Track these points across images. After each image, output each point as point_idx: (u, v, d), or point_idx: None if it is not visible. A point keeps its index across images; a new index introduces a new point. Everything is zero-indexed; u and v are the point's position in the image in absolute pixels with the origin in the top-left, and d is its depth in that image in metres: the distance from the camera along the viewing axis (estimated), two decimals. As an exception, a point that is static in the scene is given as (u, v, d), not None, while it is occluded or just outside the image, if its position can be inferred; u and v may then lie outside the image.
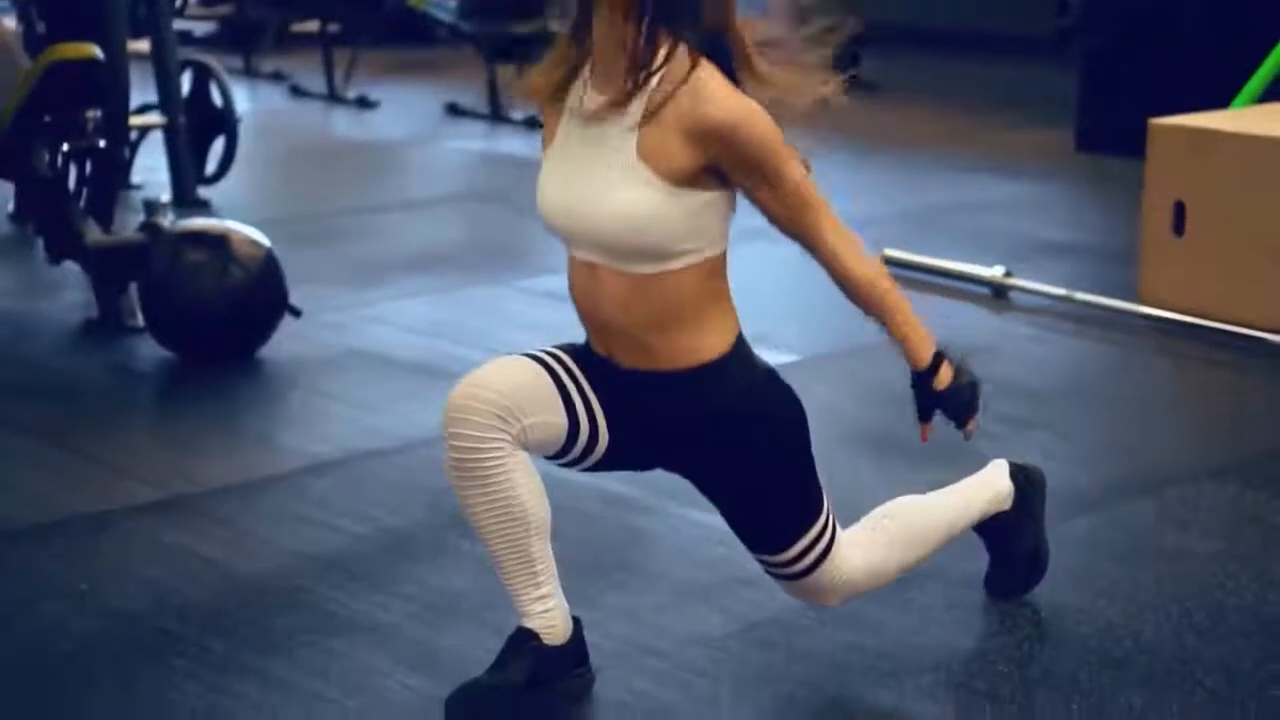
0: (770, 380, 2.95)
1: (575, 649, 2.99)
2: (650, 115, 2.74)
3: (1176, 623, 3.33)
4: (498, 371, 2.86)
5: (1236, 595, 3.44)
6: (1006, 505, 3.36)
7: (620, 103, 2.76)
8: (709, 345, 2.87)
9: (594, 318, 2.89)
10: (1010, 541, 3.39)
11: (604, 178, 2.78)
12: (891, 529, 3.18)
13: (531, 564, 2.90)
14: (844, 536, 3.09)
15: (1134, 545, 3.72)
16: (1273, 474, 4.11)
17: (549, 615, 2.94)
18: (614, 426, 2.92)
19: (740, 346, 2.91)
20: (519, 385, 2.84)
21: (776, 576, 3.07)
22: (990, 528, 3.37)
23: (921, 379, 3.02)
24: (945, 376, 3.01)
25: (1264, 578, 3.52)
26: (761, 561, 3.07)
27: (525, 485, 2.85)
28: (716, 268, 2.86)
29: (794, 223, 2.88)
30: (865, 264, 2.95)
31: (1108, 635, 3.27)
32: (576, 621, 3.00)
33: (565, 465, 2.97)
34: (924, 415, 3.06)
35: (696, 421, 2.90)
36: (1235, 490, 4.00)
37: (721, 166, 2.78)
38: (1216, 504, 3.93)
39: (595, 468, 2.99)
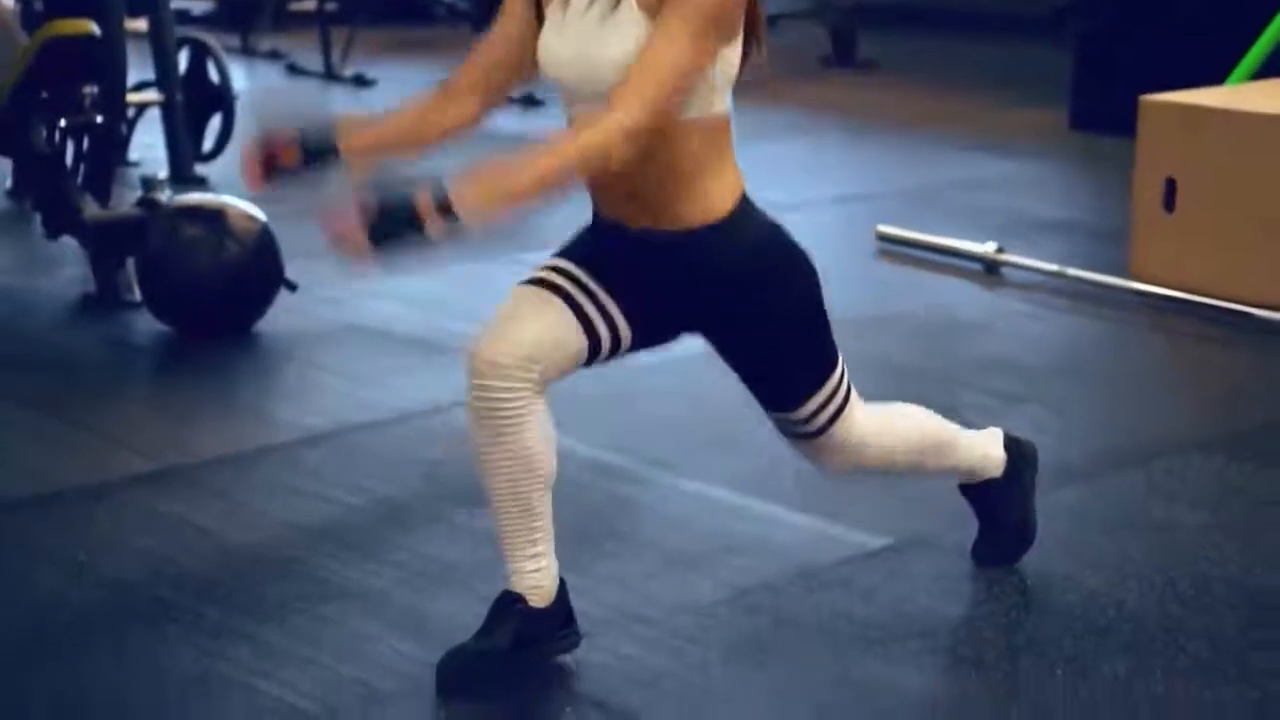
0: (778, 235, 2.96)
1: (561, 610, 3.02)
2: None
3: (1161, 592, 3.36)
4: (515, 318, 2.90)
5: (1221, 565, 3.48)
6: (997, 473, 3.40)
7: None
8: (715, 203, 2.87)
9: (599, 179, 2.88)
10: (999, 511, 3.43)
11: (607, 24, 2.79)
12: (905, 422, 3.28)
13: (532, 518, 2.95)
14: (860, 403, 3.15)
15: (1121, 516, 3.75)
16: (1260, 447, 4.14)
17: (539, 575, 2.97)
18: (632, 313, 2.94)
19: (746, 204, 2.92)
20: (538, 328, 2.88)
21: (791, 435, 3.12)
22: (980, 495, 3.41)
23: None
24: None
25: (1249, 549, 3.56)
26: (777, 420, 3.10)
27: (541, 437, 2.91)
28: (721, 128, 2.86)
29: (632, 71, 2.73)
30: (587, 138, 2.74)
31: (1093, 604, 3.31)
32: (562, 583, 3.03)
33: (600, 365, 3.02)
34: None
35: (710, 280, 2.91)
36: (1223, 463, 4.04)
37: None
38: (1204, 476, 3.97)
39: (628, 354, 3.02)
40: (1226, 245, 5.28)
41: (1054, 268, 5.52)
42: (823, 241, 6.65)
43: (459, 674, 2.93)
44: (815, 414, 3.06)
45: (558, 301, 2.91)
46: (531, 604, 2.97)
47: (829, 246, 6.13)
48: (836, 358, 3.07)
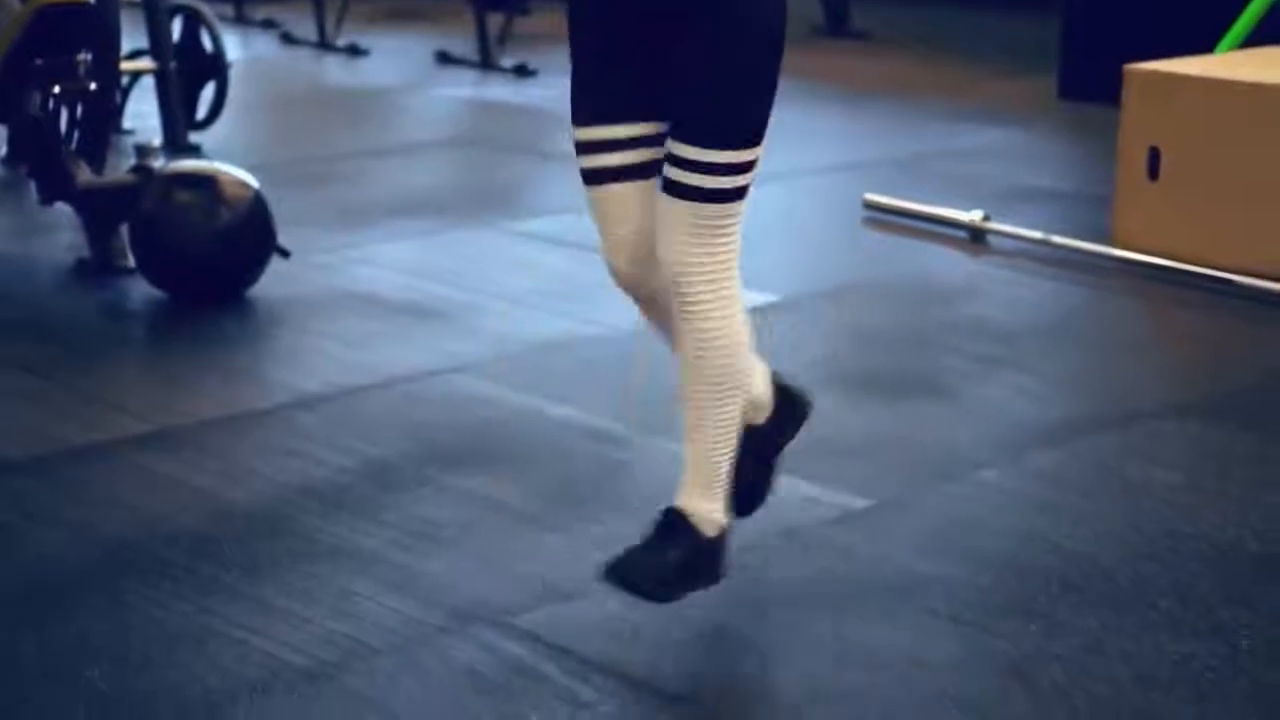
0: None
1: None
2: None
3: (1134, 549, 3.43)
4: (614, 233, 3.03)
5: (1193, 524, 3.55)
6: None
7: None
8: None
9: None
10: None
11: None
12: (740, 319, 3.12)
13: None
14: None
15: (1097, 477, 3.82)
16: (1237, 411, 4.21)
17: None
18: (651, 103, 2.97)
19: None
20: (635, 226, 3.00)
21: (674, 187, 2.92)
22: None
23: None
24: None
25: (1221, 508, 3.63)
26: (676, 160, 2.92)
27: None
28: None
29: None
30: None
31: (1068, 562, 3.38)
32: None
33: None
34: None
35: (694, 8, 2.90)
36: (1199, 426, 4.11)
37: None
38: (1180, 439, 4.04)
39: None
40: (1209, 213, 5.34)
41: (1038, 235, 5.58)
42: (810, 209, 6.77)
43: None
44: (727, 170, 2.91)
45: (620, 190, 2.99)
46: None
47: (816, 214, 6.22)
48: (761, 138, 2.98)
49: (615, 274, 3.07)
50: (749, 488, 3.30)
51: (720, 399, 3.01)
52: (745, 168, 2.94)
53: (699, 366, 2.99)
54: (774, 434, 3.33)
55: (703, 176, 2.90)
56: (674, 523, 3.04)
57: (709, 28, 2.90)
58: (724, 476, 3.06)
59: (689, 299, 2.93)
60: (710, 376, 2.99)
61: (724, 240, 2.93)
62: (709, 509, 3.05)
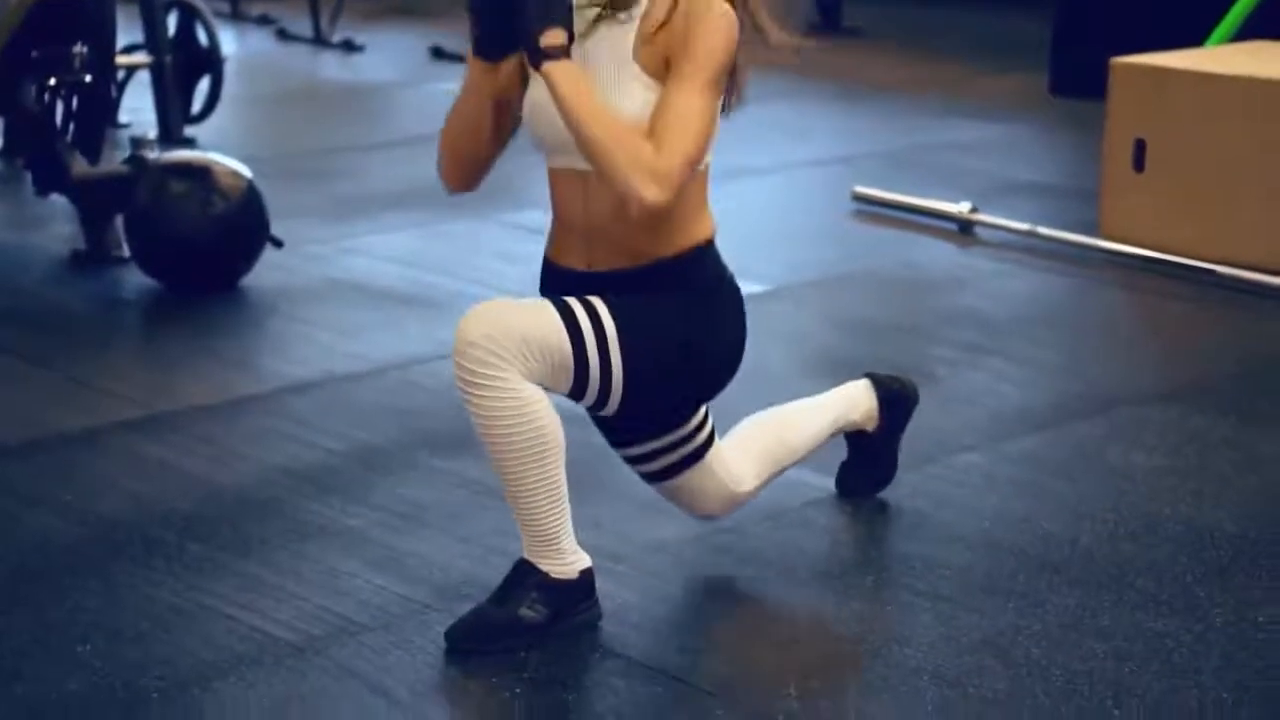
0: (731, 290, 3.07)
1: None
2: (647, 16, 2.89)
3: (1113, 531, 3.48)
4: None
5: (1172, 506, 3.60)
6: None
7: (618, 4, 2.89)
8: (690, 239, 2.99)
9: (583, 227, 2.99)
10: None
11: (612, 84, 2.90)
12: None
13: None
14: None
15: (1079, 461, 3.87)
16: (1217, 398, 4.26)
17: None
18: None
19: (714, 248, 3.05)
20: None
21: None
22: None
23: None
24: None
25: (1200, 491, 3.68)
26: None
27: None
28: (702, 177, 3.00)
29: (660, 126, 2.85)
30: (644, 151, 2.83)
31: (1047, 543, 3.43)
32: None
33: None
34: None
35: (660, 285, 2.99)
36: (1181, 412, 4.15)
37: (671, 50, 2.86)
38: (1162, 425, 4.09)
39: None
40: (1194, 205, 5.39)
41: (1026, 227, 5.63)
42: (800, 202, 6.81)
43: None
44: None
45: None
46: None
47: (807, 207, 6.27)
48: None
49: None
50: (874, 481, 3.59)
51: (522, 466, 2.93)
52: (606, 367, 2.94)
53: (491, 442, 2.92)
54: (887, 433, 3.55)
55: (588, 324, 2.93)
56: (520, 572, 3.01)
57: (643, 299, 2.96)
58: (561, 533, 2.99)
59: (472, 379, 2.88)
60: (504, 449, 2.91)
61: (533, 362, 2.88)
62: (555, 565, 3.00)
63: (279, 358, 4.52)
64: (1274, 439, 3.98)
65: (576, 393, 2.97)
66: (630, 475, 3.73)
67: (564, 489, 2.97)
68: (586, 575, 3.02)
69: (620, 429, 3.20)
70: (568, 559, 3.00)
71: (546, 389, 2.92)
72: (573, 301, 2.94)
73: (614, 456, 3.84)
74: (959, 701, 2.83)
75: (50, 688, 2.85)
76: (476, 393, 2.86)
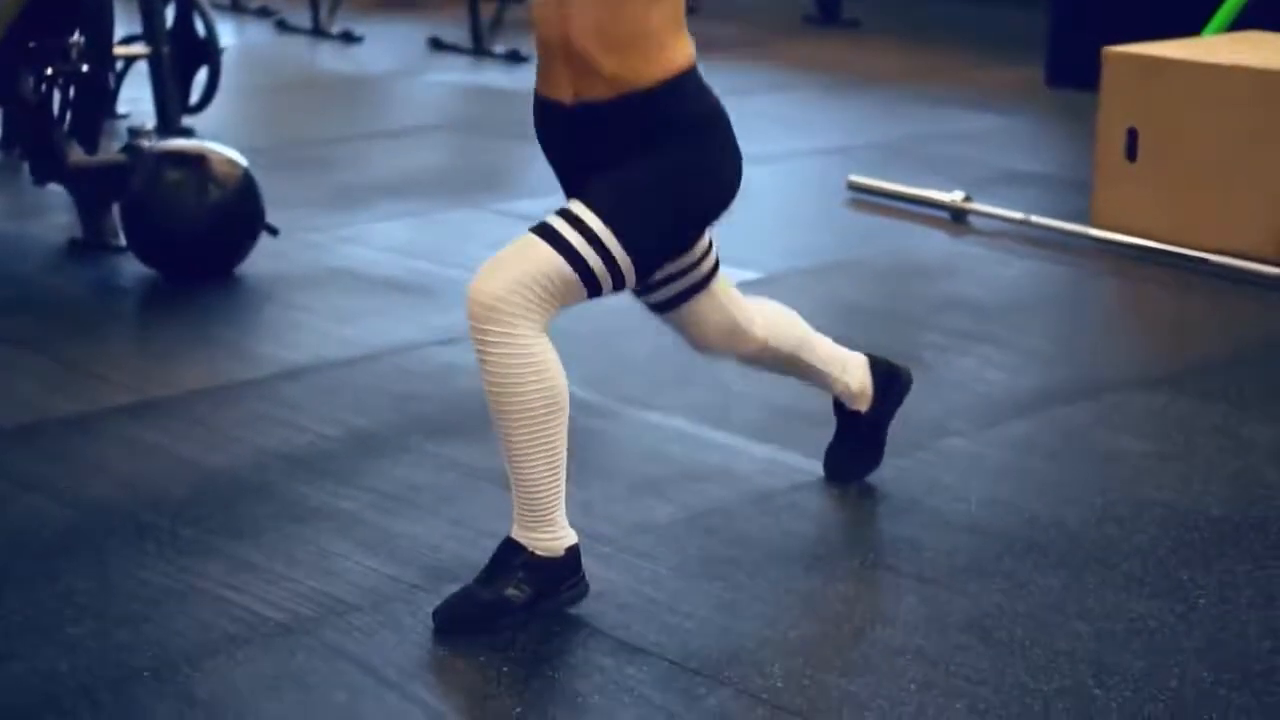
0: (716, 122, 3.07)
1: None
2: None
3: (1099, 514, 3.51)
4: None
5: (1157, 490, 3.62)
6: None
7: None
8: (669, 65, 3.00)
9: (563, 54, 3.01)
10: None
11: None
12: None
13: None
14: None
15: (1066, 446, 3.90)
16: (1204, 383, 4.28)
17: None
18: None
19: (697, 74, 3.05)
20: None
21: (548, 237, 2.99)
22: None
23: None
24: None
25: (1185, 476, 3.70)
26: (566, 217, 3.01)
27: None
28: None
29: None
30: None
31: (1034, 526, 3.45)
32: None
33: None
34: None
35: (645, 130, 3.01)
36: (1167, 397, 4.18)
37: None
38: (1148, 410, 4.11)
39: None
40: (1185, 193, 5.41)
41: (1019, 215, 5.65)
42: (796, 191, 6.84)
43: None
44: (592, 245, 2.97)
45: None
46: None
47: (802, 195, 6.29)
48: (651, 255, 3.06)
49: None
50: (861, 465, 3.62)
51: (527, 427, 2.96)
52: (606, 258, 2.96)
53: (500, 400, 2.95)
54: (878, 415, 3.59)
55: (569, 230, 2.96)
56: (505, 552, 3.04)
57: (658, 141, 3.00)
58: (555, 505, 3.02)
59: (486, 339, 2.92)
60: (513, 407, 2.95)
61: (541, 297, 2.94)
62: (544, 538, 3.03)
63: (273, 344, 4.54)
64: (1260, 424, 4.01)
65: (595, 293, 3.01)
66: (619, 458, 3.77)
67: (563, 459, 3.01)
68: (573, 552, 3.05)
69: None
70: (557, 533, 3.03)
71: (570, 305, 3.00)
72: (553, 219, 2.99)
73: (604, 439, 3.88)
74: (941, 680, 2.85)
75: (43, 668, 2.87)
76: (490, 351, 2.92)
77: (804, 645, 2.98)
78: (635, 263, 3.00)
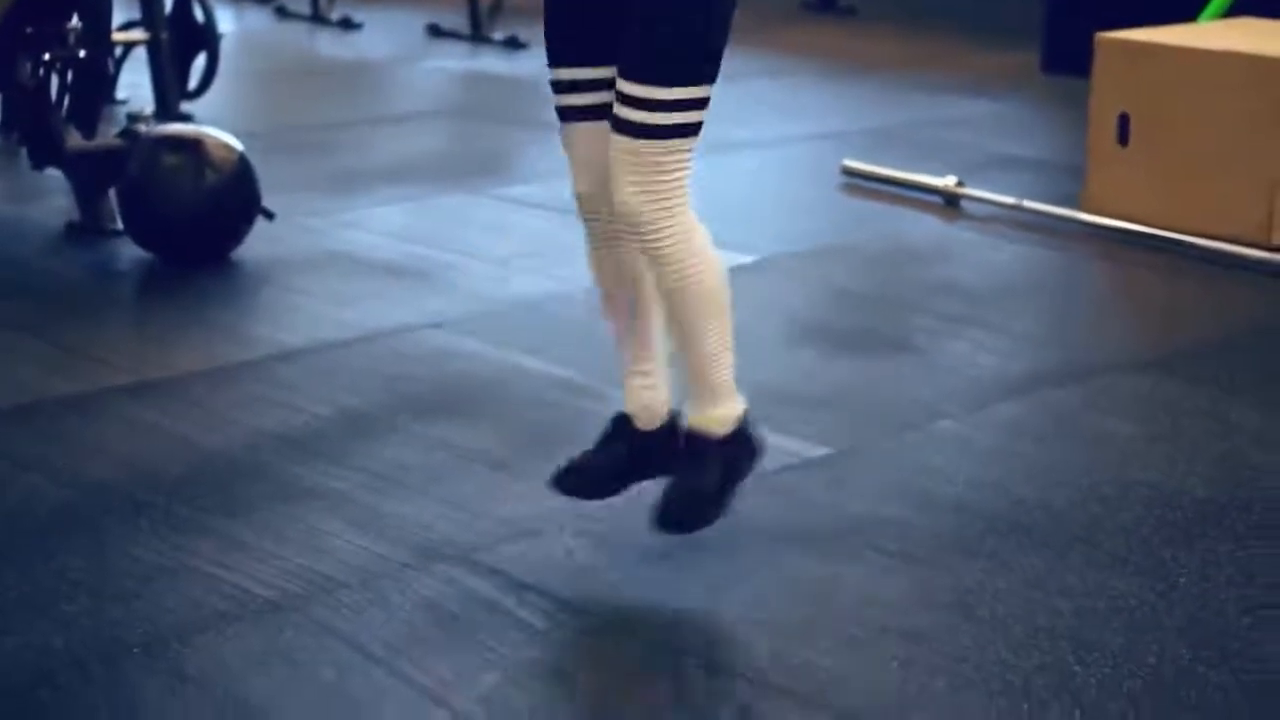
0: None
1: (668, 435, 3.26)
2: None
3: (1085, 495, 3.54)
4: (579, 163, 3.15)
5: (1143, 472, 3.65)
6: (722, 432, 3.22)
7: None
8: None
9: None
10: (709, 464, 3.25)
11: None
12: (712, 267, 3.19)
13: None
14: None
15: (1054, 428, 3.93)
16: (1193, 367, 4.31)
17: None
18: (607, 23, 3.06)
19: None
20: (596, 167, 3.11)
21: (623, 126, 3.00)
22: (699, 442, 3.25)
23: None
24: None
25: (1170, 458, 3.73)
26: (624, 98, 3.00)
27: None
28: None
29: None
30: None
31: (1019, 506, 3.49)
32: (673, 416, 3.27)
33: None
34: None
35: None
36: (1156, 380, 4.21)
37: None
38: (1136, 392, 4.14)
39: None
40: (1177, 178, 5.44)
41: (1011, 200, 5.68)
42: (790, 175, 6.86)
43: (578, 482, 3.24)
44: (671, 107, 2.99)
45: (588, 128, 3.11)
46: (639, 426, 3.25)
47: (796, 180, 6.32)
48: (711, 77, 3.04)
49: (577, 197, 3.18)
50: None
51: (709, 313, 3.12)
52: (686, 105, 3.01)
53: (682, 292, 3.09)
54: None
55: (644, 113, 2.99)
56: (697, 446, 3.21)
57: None
58: (728, 379, 3.20)
59: (647, 237, 3.04)
60: (694, 296, 3.09)
61: (668, 176, 3.01)
62: (721, 411, 3.20)
63: (269, 326, 4.58)
64: (1247, 407, 4.04)
65: (700, 125, 3.05)
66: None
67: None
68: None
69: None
70: (739, 402, 3.23)
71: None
72: (622, 110, 3.00)
73: (593, 420, 3.90)
74: (923, 657, 2.89)
75: (37, 643, 2.91)
76: (660, 249, 3.04)
77: (789, 624, 3.01)
78: (708, 82, 3.03)
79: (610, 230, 3.16)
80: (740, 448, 3.24)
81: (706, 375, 3.18)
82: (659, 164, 3.00)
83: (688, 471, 3.21)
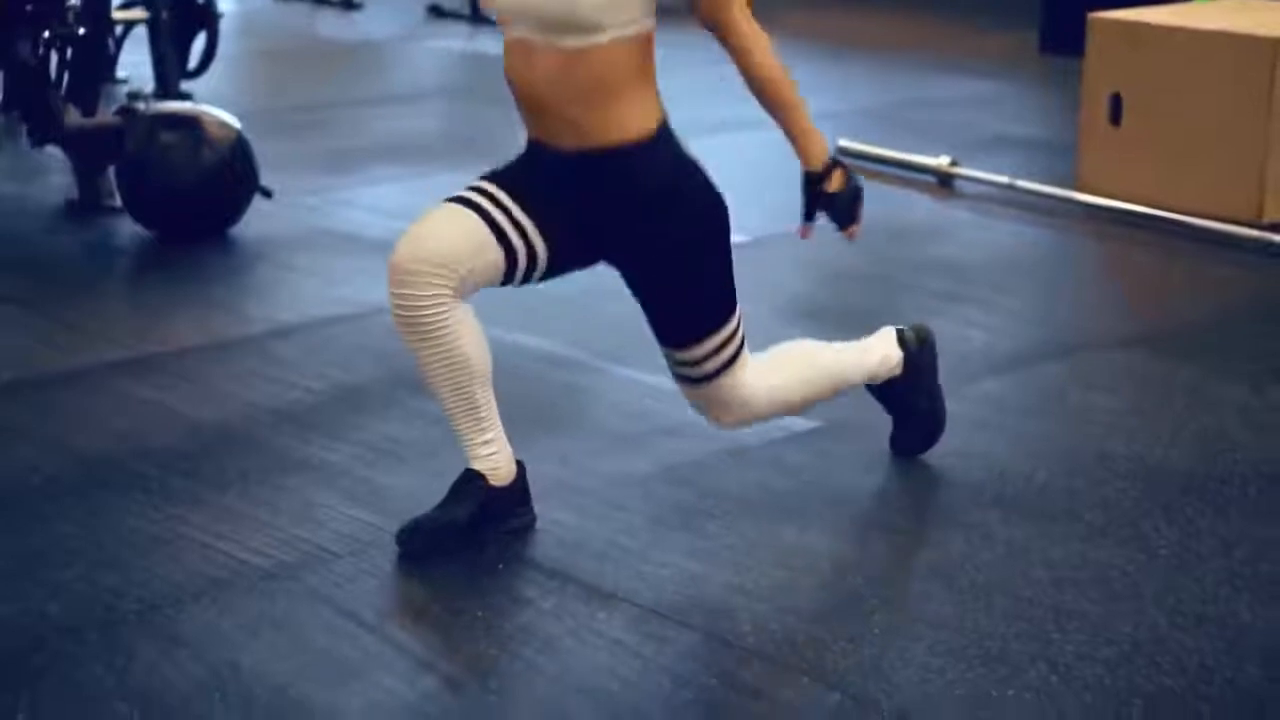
0: (696, 167, 3.16)
1: (518, 489, 3.24)
2: None
3: (1068, 467, 3.58)
4: (432, 228, 3.10)
5: (1126, 446, 3.70)
6: (898, 371, 3.55)
7: None
8: (636, 122, 3.06)
9: (529, 96, 3.10)
10: (907, 403, 3.59)
11: None
12: (792, 363, 3.40)
13: (476, 410, 3.16)
14: (749, 358, 3.31)
15: (1040, 402, 3.98)
16: (1180, 343, 4.36)
17: (494, 458, 3.19)
18: (550, 233, 3.13)
19: (666, 130, 3.11)
20: (453, 238, 3.08)
21: (683, 379, 3.27)
22: (885, 393, 3.58)
23: (812, 180, 3.25)
24: (837, 181, 3.26)
25: (1154, 432, 3.78)
26: (672, 360, 3.26)
27: (467, 336, 3.11)
28: (643, 47, 3.05)
29: (714, 12, 3.09)
30: (774, 60, 3.16)
31: (1003, 479, 3.53)
32: (520, 465, 3.26)
33: (518, 285, 3.21)
34: (809, 214, 3.29)
35: (628, 198, 3.09)
36: (1142, 356, 4.25)
37: None
38: (1122, 368, 4.19)
39: (545, 277, 3.21)
40: (1168, 157, 5.48)
41: (1004, 180, 5.72)
42: (784, 155, 6.81)
43: (421, 542, 3.15)
44: (708, 356, 3.22)
45: (475, 217, 3.11)
46: (491, 482, 3.20)
47: (791, 160, 6.31)
48: (736, 305, 3.23)
49: (392, 268, 3.15)
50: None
51: (813, 393, 3.42)
52: (728, 339, 3.23)
53: (788, 407, 3.42)
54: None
55: (698, 368, 3.24)
56: (893, 397, 3.56)
57: (657, 243, 3.14)
58: (871, 365, 3.51)
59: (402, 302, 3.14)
60: (800, 404, 3.43)
61: (739, 386, 3.28)
62: (885, 370, 3.53)
63: (265, 302, 4.63)
64: (1232, 384, 4.08)
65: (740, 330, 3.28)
66: (598, 413, 3.85)
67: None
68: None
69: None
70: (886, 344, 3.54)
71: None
72: (686, 371, 3.27)
73: (584, 395, 3.96)
74: (904, 625, 2.94)
75: (33, 609, 2.96)
76: (412, 315, 3.10)
77: (772, 592, 3.06)
78: (735, 309, 3.23)
79: (418, 316, 3.12)
80: (919, 362, 3.54)
81: (853, 380, 3.48)
82: (731, 386, 3.26)
83: (904, 418, 3.57)
